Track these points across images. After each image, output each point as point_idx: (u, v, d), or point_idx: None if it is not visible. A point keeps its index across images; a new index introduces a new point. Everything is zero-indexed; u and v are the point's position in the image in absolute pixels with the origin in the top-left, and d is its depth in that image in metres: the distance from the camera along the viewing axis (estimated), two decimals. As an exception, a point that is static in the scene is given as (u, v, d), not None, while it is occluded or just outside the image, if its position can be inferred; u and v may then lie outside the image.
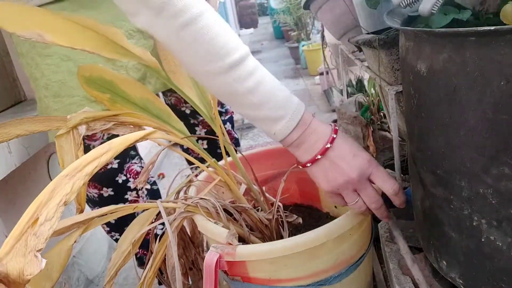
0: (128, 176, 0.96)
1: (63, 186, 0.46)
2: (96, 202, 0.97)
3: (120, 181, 0.95)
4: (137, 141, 0.62)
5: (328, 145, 0.58)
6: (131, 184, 0.96)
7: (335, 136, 0.59)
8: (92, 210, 1.00)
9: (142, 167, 0.99)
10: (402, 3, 0.50)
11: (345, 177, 0.59)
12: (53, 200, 0.45)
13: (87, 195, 0.95)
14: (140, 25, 0.55)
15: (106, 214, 0.68)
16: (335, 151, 0.59)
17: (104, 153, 0.54)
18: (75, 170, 0.49)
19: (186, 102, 1.06)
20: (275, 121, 0.58)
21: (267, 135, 0.61)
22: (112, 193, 0.95)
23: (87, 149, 0.86)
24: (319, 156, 0.59)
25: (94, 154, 0.53)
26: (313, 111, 0.61)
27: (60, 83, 0.85)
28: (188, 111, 1.07)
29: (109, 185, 0.94)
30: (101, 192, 0.94)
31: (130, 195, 0.97)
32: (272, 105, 0.57)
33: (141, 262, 1.08)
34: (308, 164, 0.60)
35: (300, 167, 0.62)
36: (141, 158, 1.01)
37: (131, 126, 0.69)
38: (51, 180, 0.48)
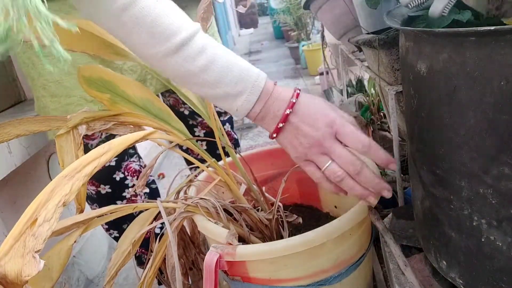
0: (126, 174, 0.96)
1: (62, 186, 0.46)
2: (94, 199, 0.97)
3: (117, 178, 0.95)
4: (137, 141, 0.62)
5: (288, 111, 0.55)
6: (129, 182, 0.96)
7: (294, 100, 0.55)
8: (90, 207, 1.00)
9: (141, 165, 1.00)
10: (411, 4, 0.49)
11: (309, 139, 0.55)
12: (52, 200, 0.45)
13: (85, 193, 0.96)
14: (85, 17, 0.53)
15: (105, 214, 0.68)
16: (297, 116, 0.55)
17: (104, 154, 0.54)
18: (75, 171, 0.49)
19: (184, 103, 1.06)
20: (235, 97, 0.55)
21: (230, 112, 0.58)
22: (109, 190, 0.95)
23: (85, 147, 0.86)
24: (281, 124, 0.56)
25: (94, 155, 0.53)
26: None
27: (57, 83, 0.85)
28: (186, 112, 1.07)
29: (107, 183, 0.94)
30: (99, 189, 0.94)
31: (127, 193, 0.97)
32: (229, 80, 0.54)
33: (140, 261, 1.08)
34: (274, 135, 0.57)
35: (270, 139, 0.59)
36: (139, 157, 1.01)
37: (131, 126, 0.69)
38: (51, 180, 0.48)
